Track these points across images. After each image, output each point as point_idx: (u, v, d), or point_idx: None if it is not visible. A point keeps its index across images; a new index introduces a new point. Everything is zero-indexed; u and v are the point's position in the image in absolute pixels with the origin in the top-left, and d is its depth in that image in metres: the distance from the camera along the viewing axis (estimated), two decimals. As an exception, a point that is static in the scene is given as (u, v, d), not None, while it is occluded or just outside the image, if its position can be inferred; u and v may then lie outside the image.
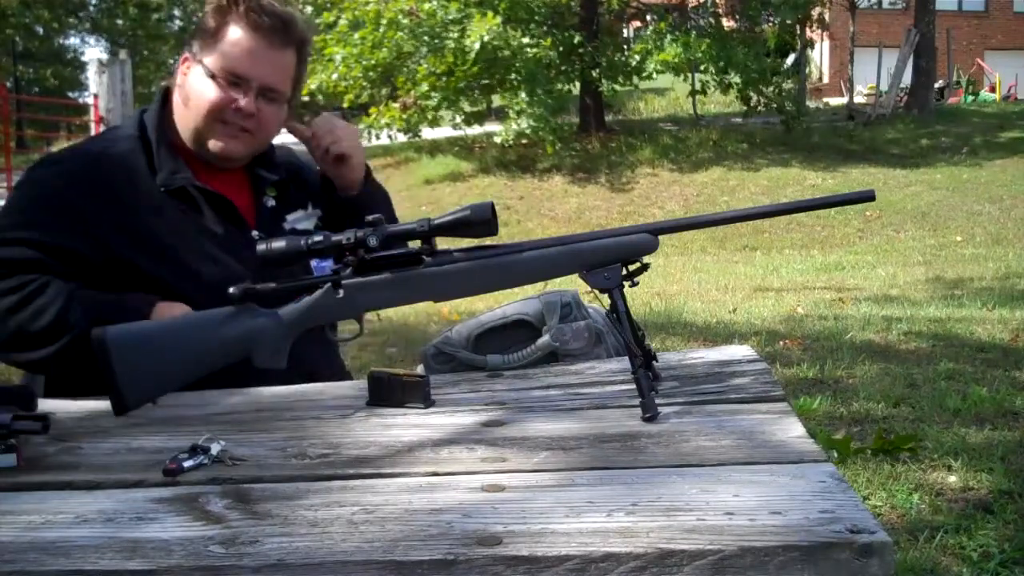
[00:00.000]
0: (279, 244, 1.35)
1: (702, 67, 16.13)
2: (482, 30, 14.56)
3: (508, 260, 1.32)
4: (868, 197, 1.30)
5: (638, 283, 1.30)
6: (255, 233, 1.70)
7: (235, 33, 1.65)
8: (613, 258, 1.29)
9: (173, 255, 1.63)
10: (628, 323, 1.27)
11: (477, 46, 14.62)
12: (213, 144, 1.68)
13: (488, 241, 1.34)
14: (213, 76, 1.65)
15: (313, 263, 1.66)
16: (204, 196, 1.68)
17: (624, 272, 1.30)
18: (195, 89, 1.67)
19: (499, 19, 14.77)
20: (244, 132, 1.68)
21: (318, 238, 1.34)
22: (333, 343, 1.73)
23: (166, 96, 1.75)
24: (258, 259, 1.36)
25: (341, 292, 1.35)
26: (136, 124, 1.72)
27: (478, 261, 1.33)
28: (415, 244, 1.36)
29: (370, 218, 1.34)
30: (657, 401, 1.24)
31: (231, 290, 1.35)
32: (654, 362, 1.31)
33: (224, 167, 1.73)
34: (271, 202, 1.78)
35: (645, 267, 1.30)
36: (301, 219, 1.79)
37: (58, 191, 1.62)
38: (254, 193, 1.77)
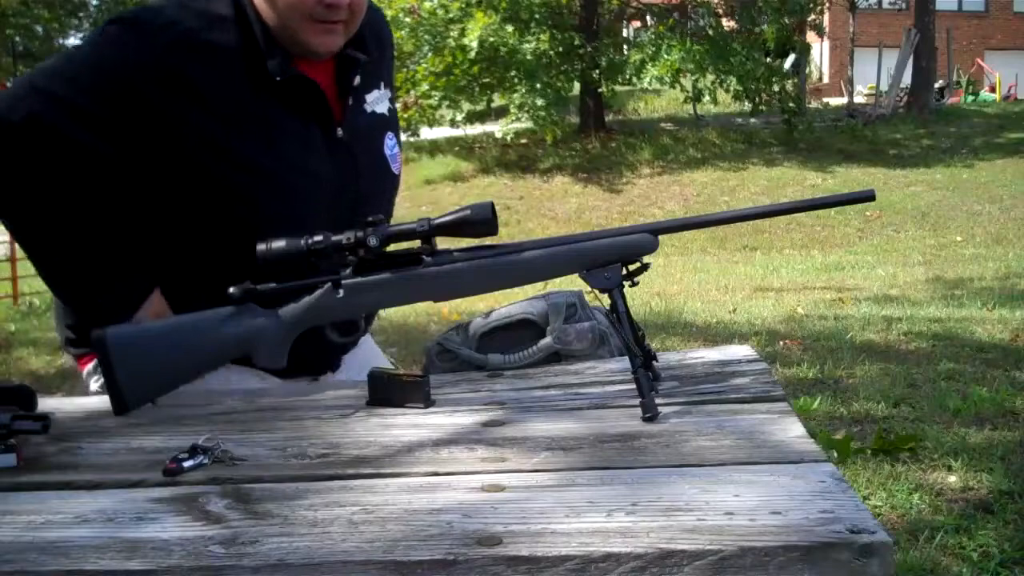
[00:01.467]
0: (279, 244, 1.35)
1: (695, 77, 16.22)
2: (479, 27, 14.62)
3: (508, 260, 1.32)
4: (868, 197, 1.30)
5: (638, 283, 1.30)
6: (339, 132, 1.58)
7: None
8: (614, 258, 1.29)
9: (253, 159, 1.49)
10: (628, 323, 1.27)
11: (475, 44, 14.68)
12: (309, 43, 1.53)
13: (488, 241, 1.34)
14: None
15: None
16: (304, 90, 1.54)
17: (624, 272, 1.30)
18: None
19: (496, 16, 14.83)
20: (339, 24, 1.53)
21: (318, 238, 1.34)
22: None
23: None
24: (258, 259, 1.35)
25: (341, 292, 1.35)
26: (231, 2, 1.53)
27: (478, 261, 1.33)
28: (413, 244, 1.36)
29: (370, 218, 1.34)
30: (657, 401, 1.24)
31: (231, 290, 1.35)
32: (654, 362, 1.31)
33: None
34: (357, 79, 1.62)
35: (645, 267, 1.30)
36: (377, 100, 1.67)
37: (133, 77, 1.45)
38: (338, 73, 1.61)
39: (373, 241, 1.32)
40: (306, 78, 1.54)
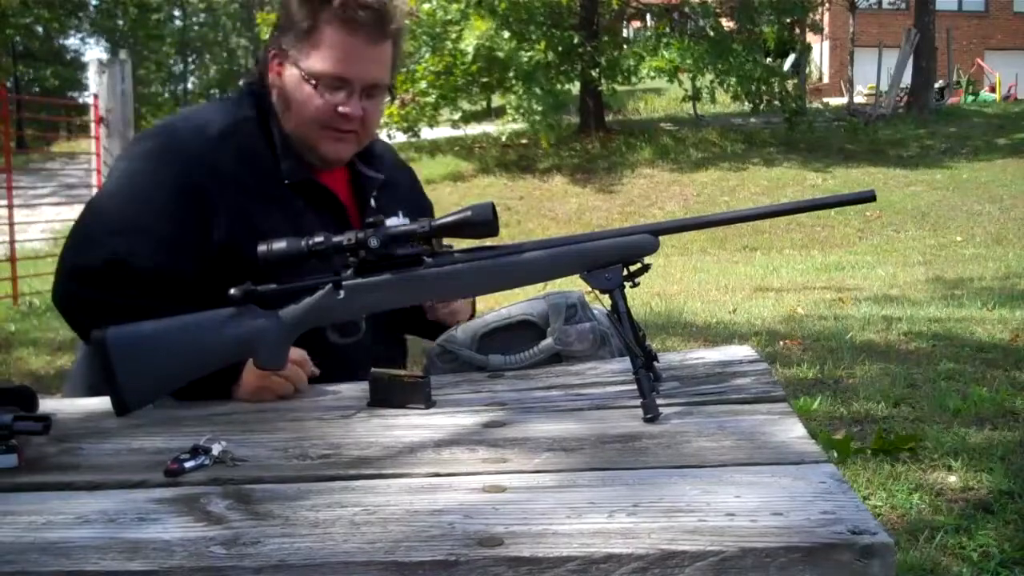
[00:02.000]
0: (280, 245, 1.35)
1: (692, 75, 16.19)
2: (476, 32, 14.63)
3: (509, 261, 1.33)
4: (868, 197, 1.30)
5: (639, 284, 1.30)
6: None
7: (332, 33, 1.55)
8: (614, 259, 1.30)
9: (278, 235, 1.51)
10: (629, 323, 1.27)
11: (471, 49, 14.70)
12: (322, 150, 1.62)
13: (488, 242, 1.34)
14: (314, 83, 1.57)
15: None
16: (319, 194, 1.62)
17: (625, 273, 1.30)
18: (295, 95, 1.60)
19: (492, 23, 14.81)
20: (350, 133, 1.62)
21: (319, 239, 1.34)
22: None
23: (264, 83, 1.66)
24: (259, 260, 1.36)
25: (342, 293, 1.35)
26: (253, 106, 1.64)
27: (479, 262, 1.33)
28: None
29: (371, 219, 1.35)
30: (658, 401, 1.24)
31: (232, 291, 1.35)
32: (655, 363, 1.31)
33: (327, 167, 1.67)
34: (373, 203, 1.71)
35: (646, 268, 1.31)
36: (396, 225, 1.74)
37: (178, 174, 1.54)
38: (355, 191, 1.70)
39: (374, 242, 1.32)
40: (317, 182, 1.62)
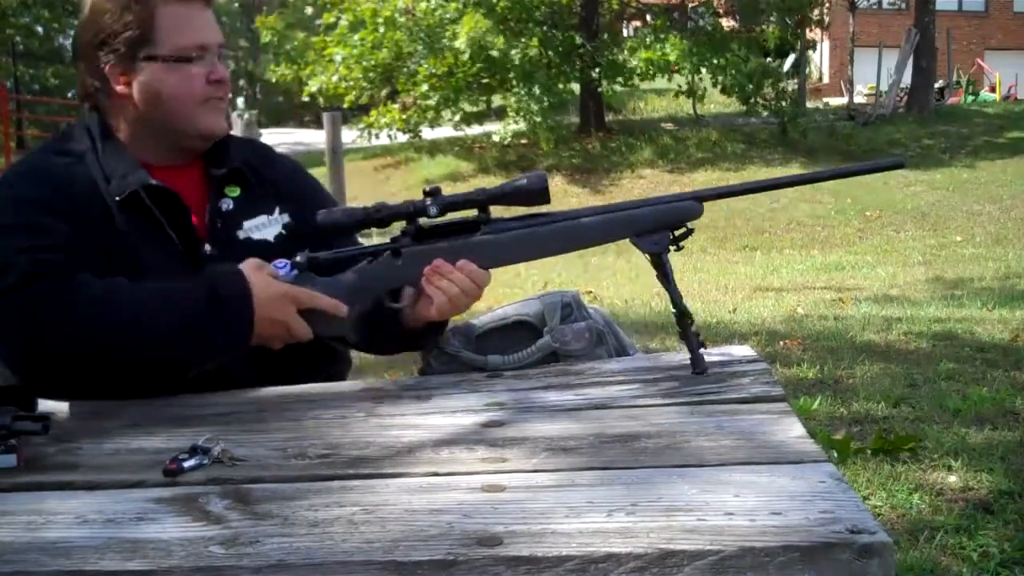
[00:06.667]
0: (338, 211, 1.41)
1: (684, 69, 16.16)
2: (468, 29, 14.62)
3: (564, 226, 1.39)
4: (898, 164, 1.41)
5: (683, 247, 1.37)
6: (207, 248, 1.53)
7: (170, 10, 1.51)
8: (663, 224, 1.37)
9: (133, 273, 1.45)
10: (674, 285, 1.36)
11: (464, 46, 14.70)
12: (203, 127, 1.55)
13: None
14: (185, 59, 1.51)
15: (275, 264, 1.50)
16: (159, 201, 1.51)
17: (671, 237, 1.37)
18: (164, 87, 1.51)
19: (485, 21, 14.80)
20: (221, 102, 1.57)
21: (377, 206, 1.39)
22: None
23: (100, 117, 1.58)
24: (317, 226, 1.40)
25: (400, 260, 1.40)
26: (85, 136, 1.56)
27: (534, 228, 1.39)
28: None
29: (428, 188, 1.39)
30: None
31: (297, 258, 1.41)
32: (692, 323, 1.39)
33: (197, 152, 1.59)
34: (228, 204, 1.58)
35: (690, 231, 1.38)
36: (261, 226, 1.59)
37: (31, 206, 1.47)
38: (210, 193, 1.58)
39: (433, 210, 1.37)
40: (157, 187, 1.51)
